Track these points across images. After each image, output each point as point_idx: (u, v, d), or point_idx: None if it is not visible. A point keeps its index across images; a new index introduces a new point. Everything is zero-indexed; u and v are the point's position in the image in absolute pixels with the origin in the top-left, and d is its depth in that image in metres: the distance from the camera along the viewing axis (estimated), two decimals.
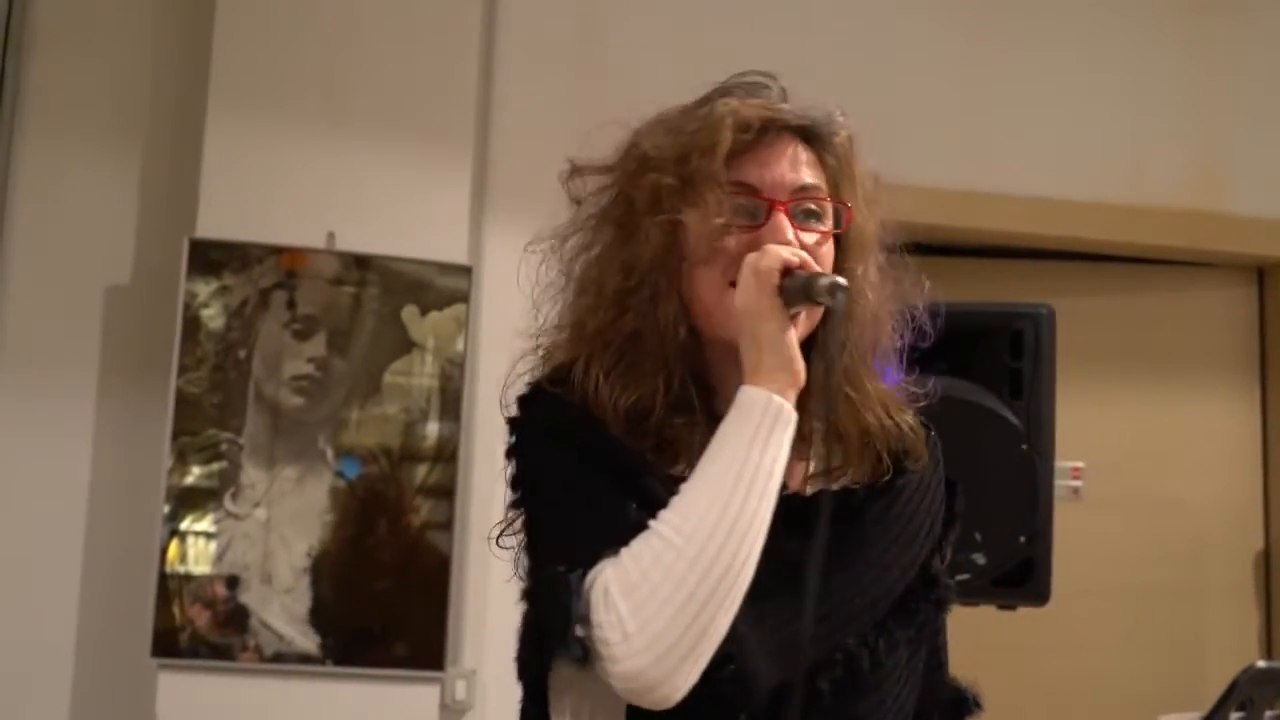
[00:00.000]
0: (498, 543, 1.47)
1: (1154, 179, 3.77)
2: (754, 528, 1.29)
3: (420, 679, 3.15)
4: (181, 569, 3.09)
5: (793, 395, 1.33)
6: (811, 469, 1.42)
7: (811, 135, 1.45)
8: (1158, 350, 3.89)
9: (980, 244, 3.77)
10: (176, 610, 3.07)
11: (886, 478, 1.45)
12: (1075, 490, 3.28)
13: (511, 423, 1.45)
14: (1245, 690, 1.33)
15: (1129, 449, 3.76)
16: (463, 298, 3.25)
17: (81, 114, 3.35)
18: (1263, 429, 3.89)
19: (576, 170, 1.49)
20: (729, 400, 1.40)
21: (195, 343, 3.14)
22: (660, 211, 1.40)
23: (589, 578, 1.28)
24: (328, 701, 3.12)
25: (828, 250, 1.43)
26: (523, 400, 1.45)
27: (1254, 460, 3.88)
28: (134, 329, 3.30)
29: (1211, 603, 3.82)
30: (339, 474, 3.16)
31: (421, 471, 3.20)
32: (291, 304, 3.19)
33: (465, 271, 3.27)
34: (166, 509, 3.09)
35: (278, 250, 3.20)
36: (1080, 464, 3.28)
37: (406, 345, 3.23)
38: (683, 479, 1.34)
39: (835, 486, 1.43)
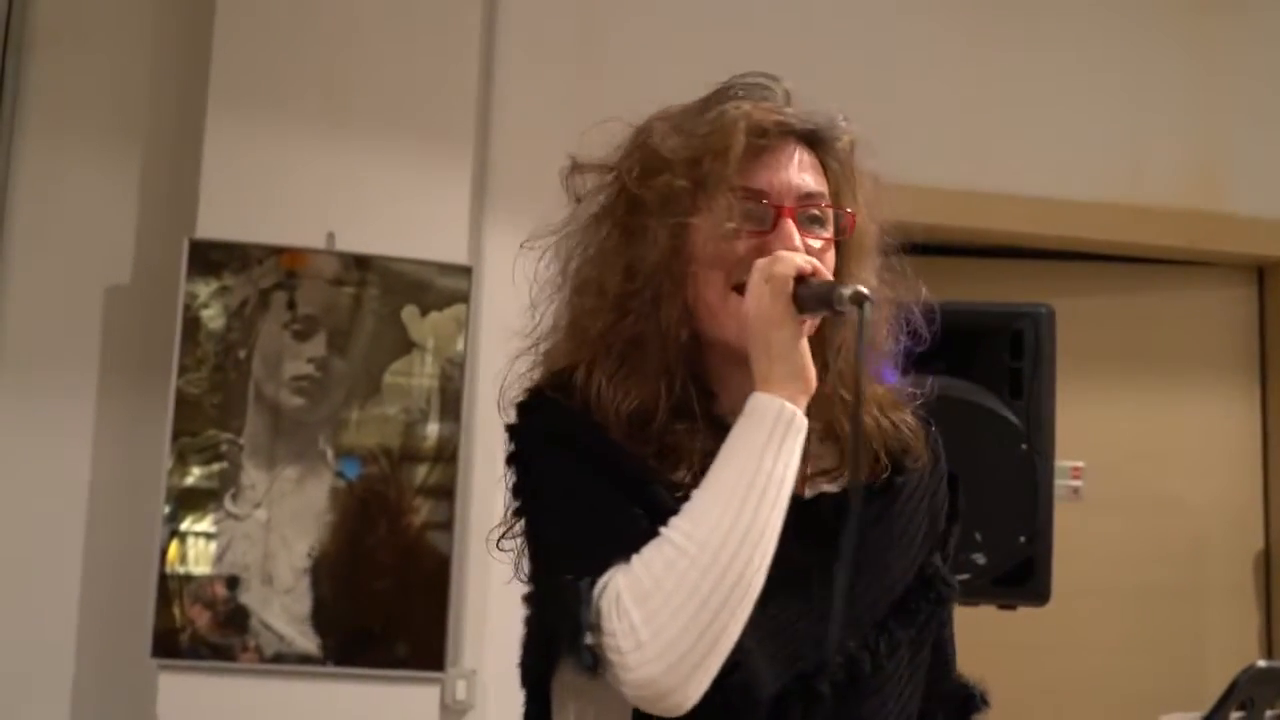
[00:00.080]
0: (498, 546, 1.47)
1: (1154, 179, 3.77)
2: (766, 536, 1.29)
3: (420, 679, 3.15)
4: (182, 569, 3.09)
5: (804, 402, 1.33)
6: (809, 470, 1.41)
7: (815, 139, 1.44)
8: (1158, 350, 3.89)
9: (980, 244, 3.77)
10: (177, 611, 3.07)
11: (884, 476, 1.44)
12: (1075, 490, 3.29)
13: (511, 430, 1.45)
14: (1245, 690, 1.33)
15: (1129, 449, 3.76)
16: (463, 298, 3.25)
17: (81, 114, 3.35)
18: (1263, 429, 3.89)
19: (577, 168, 1.49)
20: (729, 403, 1.40)
21: (195, 343, 3.14)
22: (670, 214, 1.39)
23: (598, 586, 1.28)
24: (328, 702, 3.12)
25: (830, 256, 1.42)
26: (522, 407, 1.44)
27: (1254, 460, 3.88)
28: (134, 329, 3.30)
29: (1211, 603, 3.82)
30: (339, 474, 3.16)
31: (421, 472, 3.20)
32: (291, 304, 3.19)
33: (465, 272, 3.27)
34: (167, 509, 3.09)
35: (278, 250, 3.20)
36: (1080, 464, 3.28)
37: (406, 345, 3.23)
38: (684, 485, 1.34)
39: (835, 488, 1.43)
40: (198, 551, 3.10)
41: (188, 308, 3.15)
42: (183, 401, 3.12)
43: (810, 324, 1.37)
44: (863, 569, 1.40)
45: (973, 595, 2.18)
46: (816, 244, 1.41)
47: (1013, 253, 3.82)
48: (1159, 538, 3.79)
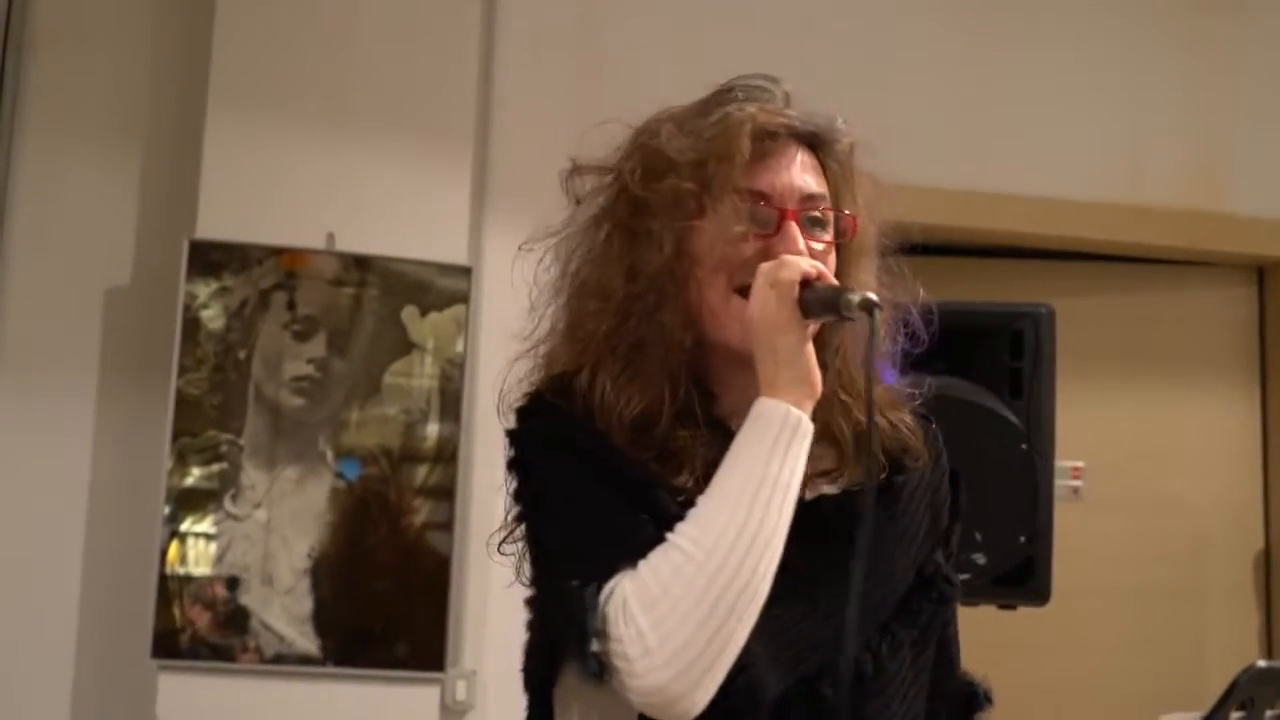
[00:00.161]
0: (499, 550, 1.46)
1: (1154, 179, 3.77)
2: (773, 542, 1.29)
3: (421, 680, 3.15)
4: (182, 570, 3.08)
5: (809, 407, 1.33)
6: (809, 471, 1.41)
7: (816, 141, 1.44)
8: (1158, 350, 3.89)
9: (980, 244, 3.77)
10: (177, 611, 3.06)
11: (884, 476, 1.44)
12: (1075, 490, 3.29)
13: (511, 435, 1.44)
14: (1246, 690, 1.33)
15: (1129, 449, 3.76)
16: (463, 298, 3.25)
17: (81, 114, 3.35)
18: (1263, 429, 3.89)
19: (577, 170, 1.48)
20: (730, 405, 1.40)
21: (195, 344, 3.14)
22: (674, 216, 1.39)
23: (604, 592, 1.27)
24: (328, 702, 3.12)
25: (831, 258, 1.42)
26: (522, 411, 1.44)
27: (1254, 460, 3.88)
28: (134, 330, 3.30)
29: (1211, 603, 3.82)
30: (339, 475, 3.16)
31: (421, 472, 3.20)
32: (291, 305, 3.19)
33: (465, 272, 3.27)
34: (166, 510, 3.09)
35: (278, 251, 3.20)
36: (1080, 464, 3.28)
37: (406, 346, 3.23)
38: (687, 489, 1.34)
39: (835, 489, 1.43)
40: (198, 552, 3.10)
41: (188, 308, 3.15)
42: (183, 402, 3.12)
43: (813, 327, 1.37)
44: (867, 571, 1.40)
45: (973, 595, 2.18)
46: (818, 246, 1.41)
47: (1013, 253, 3.82)
48: (1159, 538, 3.79)
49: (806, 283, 1.33)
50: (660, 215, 1.40)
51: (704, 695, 1.26)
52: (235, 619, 3.08)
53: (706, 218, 1.38)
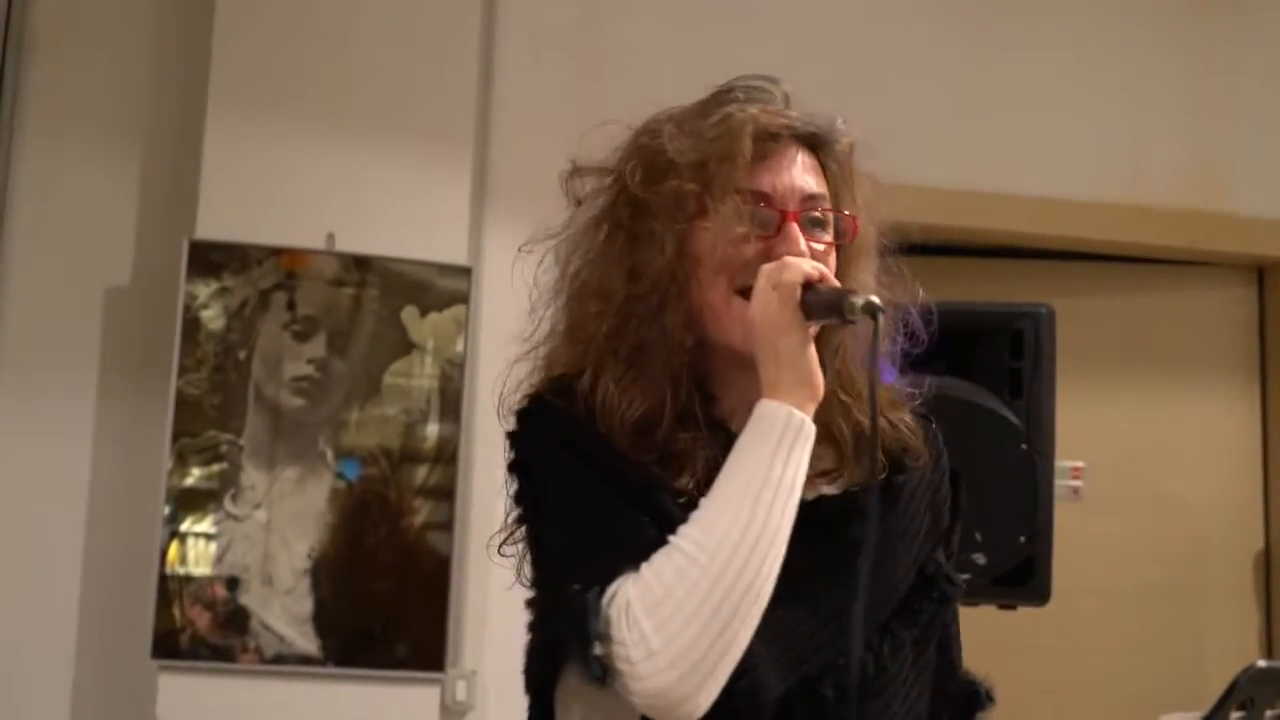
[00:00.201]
0: (499, 552, 1.46)
1: (1154, 179, 3.77)
2: (776, 544, 1.29)
3: (421, 680, 3.15)
4: (182, 570, 3.08)
5: (812, 409, 1.33)
6: (809, 472, 1.41)
7: (816, 142, 1.44)
8: (1158, 350, 3.89)
9: (980, 244, 3.77)
10: (177, 612, 3.06)
11: (884, 476, 1.44)
12: (1075, 490, 3.28)
13: (512, 436, 1.43)
14: (1246, 690, 1.33)
15: (1129, 449, 3.76)
16: (462, 299, 3.25)
17: (81, 114, 3.35)
18: (1263, 429, 3.89)
19: (578, 171, 1.48)
20: (730, 406, 1.40)
21: (195, 344, 3.14)
22: (676, 217, 1.39)
23: (606, 595, 1.27)
24: (328, 703, 3.12)
25: (831, 259, 1.42)
26: (523, 413, 1.43)
27: (1254, 460, 3.88)
28: (134, 330, 3.30)
29: (1211, 603, 3.82)
30: (339, 475, 3.16)
31: (421, 472, 3.20)
32: (291, 305, 3.19)
33: (465, 272, 3.27)
34: (166, 510, 3.09)
35: (277, 251, 3.20)
36: (1080, 464, 3.28)
37: (406, 346, 3.23)
38: (688, 491, 1.33)
39: (835, 490, 1.43)
40: (198, 552, 3.10)
41: (187, 308, 3.15)
42: (183, 402, 3.12)
43: (814, 329, 1.37)
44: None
45: (973, 595, 2.17)
46: (819, 247, 1.41)
47: (1013, 253, 3.82)
48: (1159, 538, 3.79)
49: (809, 284, 1.33)
50: (661, 216, 1.40)
51: (707, 698, 1.26)
52: (235, 619, 3.08)
53: (708, 219, 1.38)
